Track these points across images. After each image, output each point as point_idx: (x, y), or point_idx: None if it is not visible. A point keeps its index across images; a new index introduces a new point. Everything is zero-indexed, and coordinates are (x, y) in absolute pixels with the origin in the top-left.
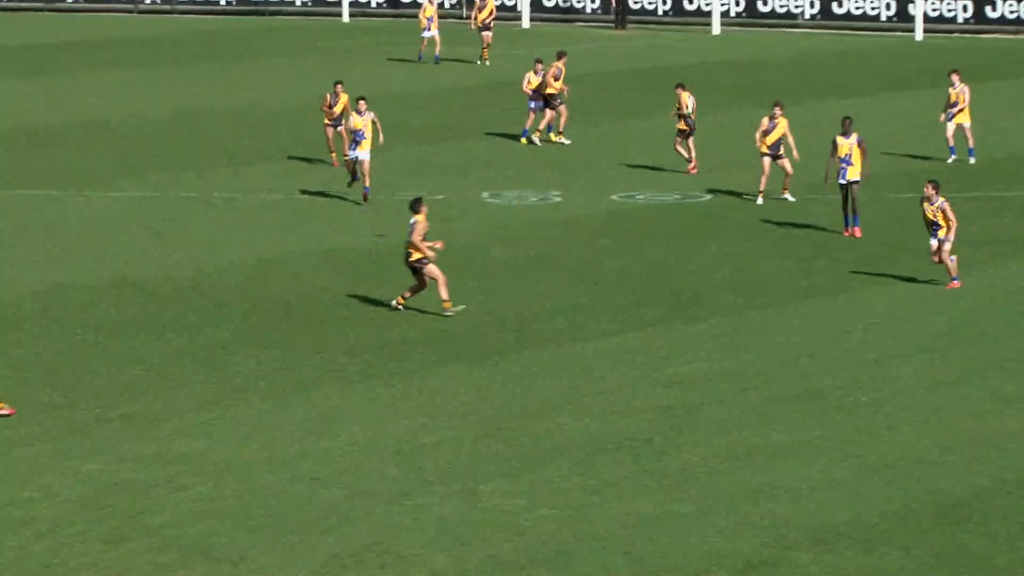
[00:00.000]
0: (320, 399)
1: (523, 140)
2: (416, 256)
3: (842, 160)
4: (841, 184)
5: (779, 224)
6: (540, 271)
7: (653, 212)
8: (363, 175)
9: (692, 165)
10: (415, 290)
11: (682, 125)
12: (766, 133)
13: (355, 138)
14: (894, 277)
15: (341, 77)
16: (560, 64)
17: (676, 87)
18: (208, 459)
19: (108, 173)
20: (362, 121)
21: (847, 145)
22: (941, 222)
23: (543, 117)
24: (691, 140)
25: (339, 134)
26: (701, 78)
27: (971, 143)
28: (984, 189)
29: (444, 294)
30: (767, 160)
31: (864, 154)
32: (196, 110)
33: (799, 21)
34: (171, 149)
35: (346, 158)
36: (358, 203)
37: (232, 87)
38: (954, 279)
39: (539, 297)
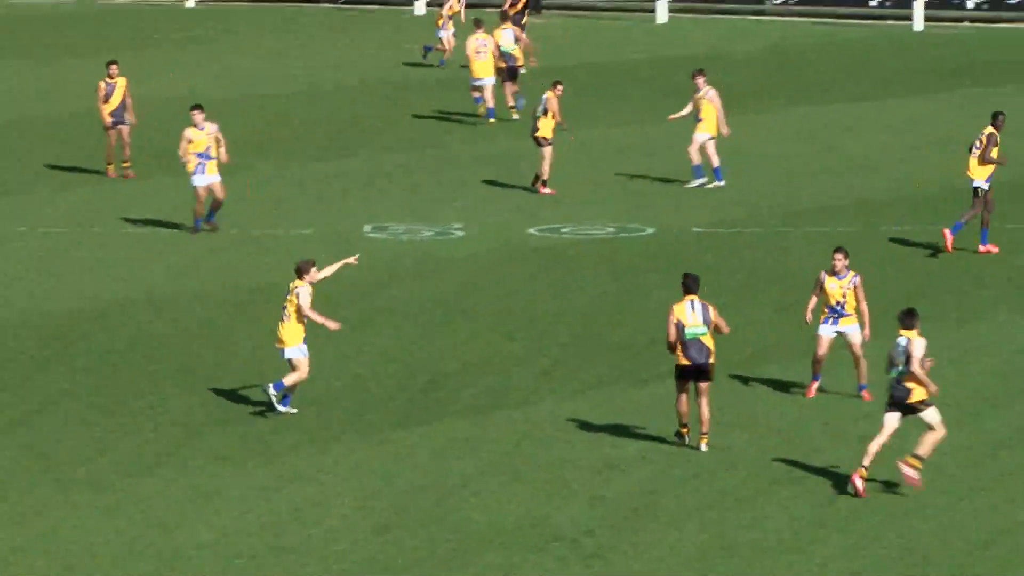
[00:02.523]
0: (165, 486)
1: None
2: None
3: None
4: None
5: (743, 264)
6: (441, 324)
7: (583, 249)
8: (215, 201)
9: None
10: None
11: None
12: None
13: (199, 160)
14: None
15: (186, 75)
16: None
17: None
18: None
19: None
20: (203, 136)
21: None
22: (849, 307)
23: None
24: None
25: (120, 135)
26: (643, 77)
27: (716, 161)
28: (1007, 219)
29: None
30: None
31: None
32: (4, 121)
33: (766, 6)
34: None
35: (195, 191)
36: (198, 230)
37: (51, 89)
38: (863, 387)
39: (442, 356)
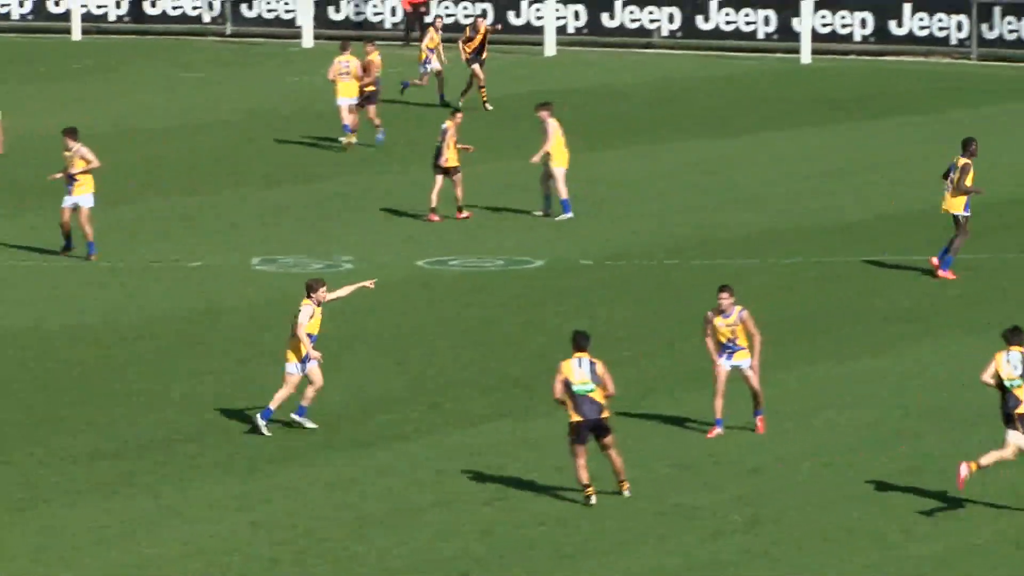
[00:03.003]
0: (47, 519)
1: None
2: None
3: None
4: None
5: (631, 296)
6: (328, 357)
7: (471, 282)
8: (83, 226)
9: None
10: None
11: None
12: None
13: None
14: (778, 365)
15: (72, 108)
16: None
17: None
18: None
19: None
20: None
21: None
22: (741, 341)
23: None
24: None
25: None
26: (529, 111)
27: (564, 193)
28: (894, 252)
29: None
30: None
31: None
32: None
33: (655, 39)
34: None
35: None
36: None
37: None
38: (759, 412)
39: (328, 392)
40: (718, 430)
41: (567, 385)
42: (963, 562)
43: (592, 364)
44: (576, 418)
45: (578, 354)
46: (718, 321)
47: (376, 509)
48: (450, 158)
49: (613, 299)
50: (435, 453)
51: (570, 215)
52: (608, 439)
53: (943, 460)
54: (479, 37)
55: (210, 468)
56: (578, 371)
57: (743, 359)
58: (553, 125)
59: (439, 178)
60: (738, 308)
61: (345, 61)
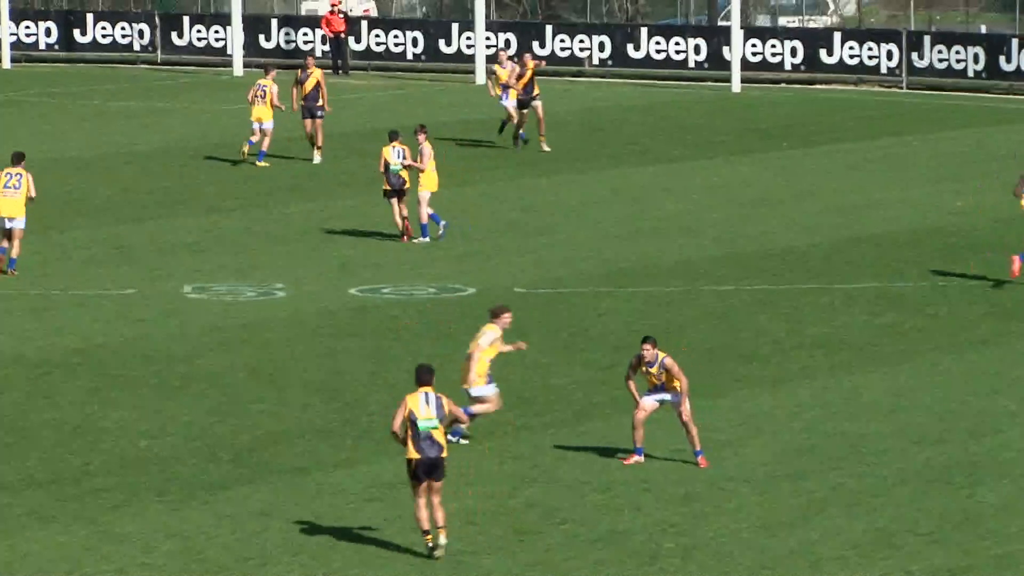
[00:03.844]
0: None
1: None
2: None
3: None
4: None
5: (565, 323)
6: (262, 385)
7: (404, 309)
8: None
9: (407, 235)
10: None
11: (387, 185)
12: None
13: None
14: (712, 392)
15: (7, 136)
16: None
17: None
18: None
19: None
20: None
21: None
22: (668, 385)
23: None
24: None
25: None
26: (461, 138)
27: (424, 217)
28: (823, 279)
29: None
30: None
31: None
32: None
33: (585, 68)
34: None
35: None
36: None
37: None
38: (699, 453)
39: (260, 418)
40: (637, 457)
41: (412, 421)
42: None
43: (439, 400)
44: (414, 455)
45: (423, 389)
46: (643, 370)
47: (302, 536)
48: (409, 178)
49: (545, 326)
50: (362, 482)
51: (427, 239)
52: (437, 484)
53: (876, 485)
54: (529, 74)
55: (146, 495)
56: (424, 407)
57: (672, 394)
58: (428, 149)
59: (395, 202)
60: (661, 356)
61: (264, 84)
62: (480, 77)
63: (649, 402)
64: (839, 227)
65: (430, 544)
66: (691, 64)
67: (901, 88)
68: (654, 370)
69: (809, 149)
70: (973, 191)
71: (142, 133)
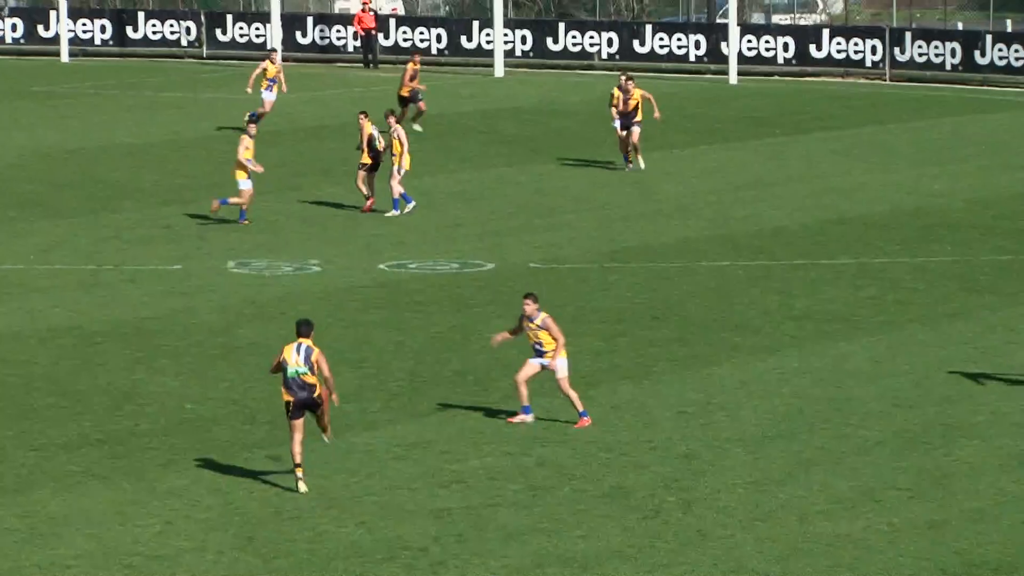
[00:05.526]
0: (34, 504)
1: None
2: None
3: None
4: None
5: (574, 297)
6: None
7: (428, 283)
8: None
9: (370, 203)
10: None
11: (365, 158)
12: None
13: None
14: (708, 360)
15: (65, 125)
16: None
17: (359, 114)
18: None
19: None
20: None
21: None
22: (546, 346)
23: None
24: (373, 175)
25: None
26: (480, 127)
27: (395, 193)
28: (811, 256)
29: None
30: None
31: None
32: None
33: (595, 62)
34: None
35: None
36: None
37: None
38: (582, 415)
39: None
40: (523, 416)
41: (283, 367)
42: (880, 540)
43: (308, 350)
44: (288, 397)
45: (300, 340)
46: (525, 326)
47: (334, 492)
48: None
49: (555, 300)
50: (390, 441)
51: (398, 212)
52: (321, 415)
53: (858, 446)
54: (632, 100)
55: (189, 454)
56: (295, 356)
57: (550, 360)
58: (402, 132)
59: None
60: (543, 315)
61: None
62: (499, 70)
63: (532, 363)
64: (826, 208)
65: (298, 480)
66: (692, 58)
67: (884, 80)
68: (533, 325)
69: (799, 136)
70: (949, 175)
71: (188, 122)
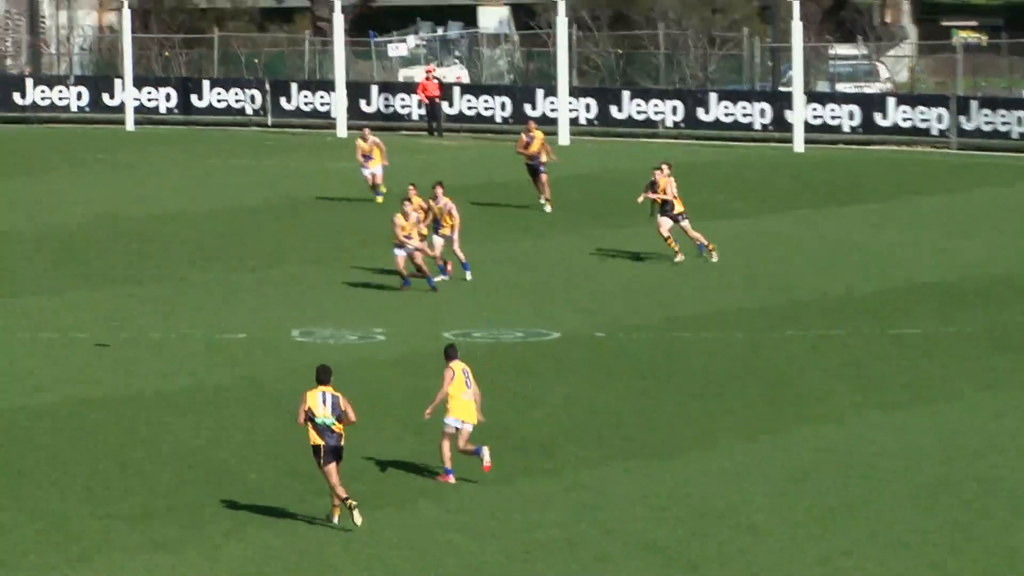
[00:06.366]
0: (98, 574)
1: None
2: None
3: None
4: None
5: (640, 365)
6: (361, 421)
7: (493, 351)
8: None
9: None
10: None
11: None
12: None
13: None
14: (775, 428)
15: (126, 191)
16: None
17: (410, 186)
18: None
19: None
20: None
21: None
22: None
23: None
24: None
25: None
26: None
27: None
28: (879, 324)
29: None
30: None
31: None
32: None
33: (659, 130)
34: None
35: None
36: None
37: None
38: (479, 450)
39: (360, 448)
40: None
41: (310, 416)
42: None
43: (335, 399)
44: (318, 441)
45: (321, 388)
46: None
47: (383, 556)
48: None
49: (625, 368)
50: (448, 508)
51: (446, 278)
52: (339, 465)
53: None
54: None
55: (253, 522)
56: (321, 406)
57: (469, 423)
58: (450, 203)
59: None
60: (446, 199)
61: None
62: (563, 138)
63: (450, 424)
64: (891, 276)
65: (352, 504)
66: (756, 126)
67: (951, 148)
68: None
69: (865, 204)
70: (1019, 245)
71: (252, 189)
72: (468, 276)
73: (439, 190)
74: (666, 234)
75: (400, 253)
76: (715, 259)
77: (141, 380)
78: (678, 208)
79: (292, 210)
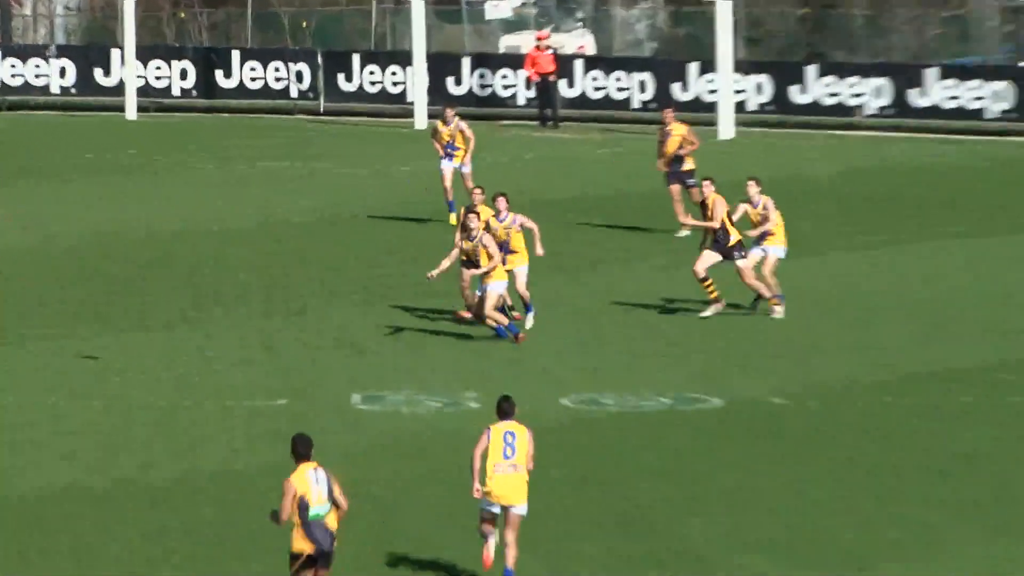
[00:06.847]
0: None
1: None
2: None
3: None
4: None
5: (828, 440)
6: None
7: (630, 424)
8: None
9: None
10: None
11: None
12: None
13: None
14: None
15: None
16: None
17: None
18: None
19: None
20: None
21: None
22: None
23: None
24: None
25: None
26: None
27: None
28: None
29: None
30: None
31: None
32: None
33: (857, 119)
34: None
35: None
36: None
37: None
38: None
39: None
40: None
41: (303, 508)
42: None
43: (327, 477)
44: (306, 548)
45: (305, 464)
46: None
47: None
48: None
49: (814, 440)
50: None
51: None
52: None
53: None
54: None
55: None
56: (314, 487)
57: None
58: (524, 219)
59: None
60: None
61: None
62: (726, 130)
63: (485, 509)
64: None
65: None
66: (992, 114)
67: None
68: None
69: None
70: None
71: (298, 201)
72: (530, 322)
73: (502, 202)
74: (703, 274)
75: (496, 288)
76: (777, 315)
77: (146, 459)
78: (734, 237)
79: (351, 229)
